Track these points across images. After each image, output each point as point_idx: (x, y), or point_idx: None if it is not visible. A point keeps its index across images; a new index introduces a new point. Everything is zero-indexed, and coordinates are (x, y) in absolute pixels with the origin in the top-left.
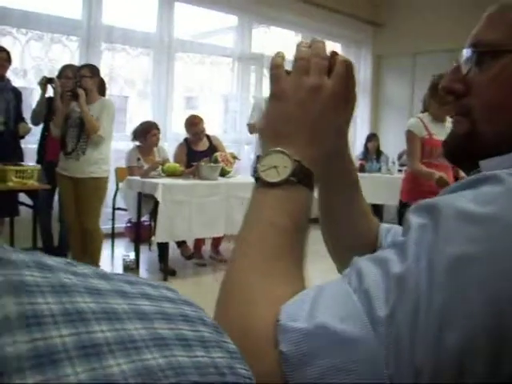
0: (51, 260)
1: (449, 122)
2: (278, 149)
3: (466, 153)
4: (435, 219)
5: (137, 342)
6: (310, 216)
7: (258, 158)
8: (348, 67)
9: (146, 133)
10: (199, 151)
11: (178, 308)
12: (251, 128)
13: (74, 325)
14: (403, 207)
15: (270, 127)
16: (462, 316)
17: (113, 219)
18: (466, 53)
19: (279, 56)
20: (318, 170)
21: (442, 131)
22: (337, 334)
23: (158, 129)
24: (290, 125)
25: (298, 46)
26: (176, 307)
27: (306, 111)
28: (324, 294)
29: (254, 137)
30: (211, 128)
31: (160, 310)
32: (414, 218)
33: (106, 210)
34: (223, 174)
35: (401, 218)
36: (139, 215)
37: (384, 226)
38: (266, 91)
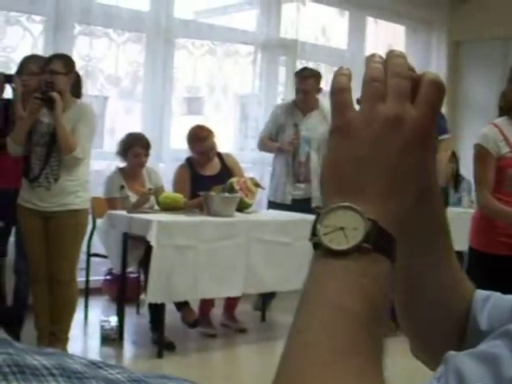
0: (74, 362)
1: None
2: (346, 204)
3: None
4: None
5: None
6: (390, 297)
7: (318, 216)
8: (439, 90)
9: (126, 150)
10: (208, 176)
11: None
12: (262, 143)
13: None
14: (475, 257)
15: (334, 174)
16: None
17: (87, 269)
18: None
19: (343, 74)
20: (400, 230)
21: None
22: None
23: (147, 145)
24: (362, 170)
25: (370, 61)
26: None
27: (382, 151)
28: None
29: (272, 156)
30: (224, 143)
31: None
32: None
33: None
34: (241, 207)
35: (478, 274)
36: (124, 265)
37: (480, 293)
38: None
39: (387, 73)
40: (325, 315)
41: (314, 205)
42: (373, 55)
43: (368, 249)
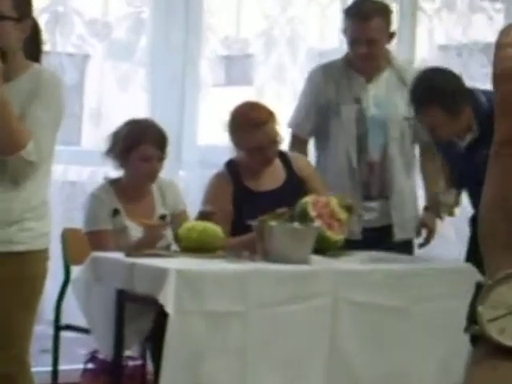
0: None
1: None
2: None
3: None
4: None
5: None
6: None
7: (479, 290)
8: None
9: (129, 150)
10: (264, 193)
11: None
12: (297, 145)
13: None
14: None
15: (503, 216)
16: None
17: (55, 352)
18: None
19: None
20: None
21: None
22: None
23: (161, 140)
24: None
25: None
26: None
27: None
28: None
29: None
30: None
31: None
32: None
33: (39, 328)
34: (323, 248)
35: None
36: (119, 345)
37: None
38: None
39: None
40: None
41: (396, 237)
42: None
43: None
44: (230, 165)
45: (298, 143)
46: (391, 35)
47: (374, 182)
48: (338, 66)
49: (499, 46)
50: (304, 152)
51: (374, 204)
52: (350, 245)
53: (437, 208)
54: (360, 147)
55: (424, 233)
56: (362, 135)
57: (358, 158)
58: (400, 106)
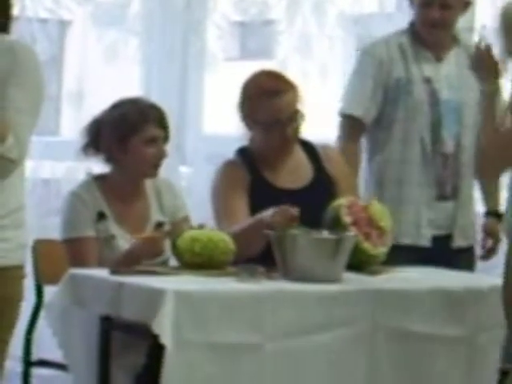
0: None
1: None
2: None
3: None
4: None
5: None
6: None
7: None
8: None
9: (128, 136)
10: (285, 191)
11: None
12: (348, 141)
13: None
14: None
15: None
16: None
17: None
18: None
19: None
20: None
21: None
22: None
23: (164, 121)
24: None
25: None
26: None
27: None
28: None
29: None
30: (321, 120)
31: None
32: None
33: (5, 364)
34: (359, 263)
35: None
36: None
37: None
38: None
39: None
40: None
41: (456, 243)
42: None
43: None
44: (243, 152)
45: (359, 131)
46: (466, 4)
47: (447, 177)
48: (403, 39)
49: None
50: (358, 145)
51: (448, 204)
52: (413, 253)
53: None
54: (434, 135)
55: (489, 242)
56: (435, 121)
57: (432, 148)
58: (474, 88)
